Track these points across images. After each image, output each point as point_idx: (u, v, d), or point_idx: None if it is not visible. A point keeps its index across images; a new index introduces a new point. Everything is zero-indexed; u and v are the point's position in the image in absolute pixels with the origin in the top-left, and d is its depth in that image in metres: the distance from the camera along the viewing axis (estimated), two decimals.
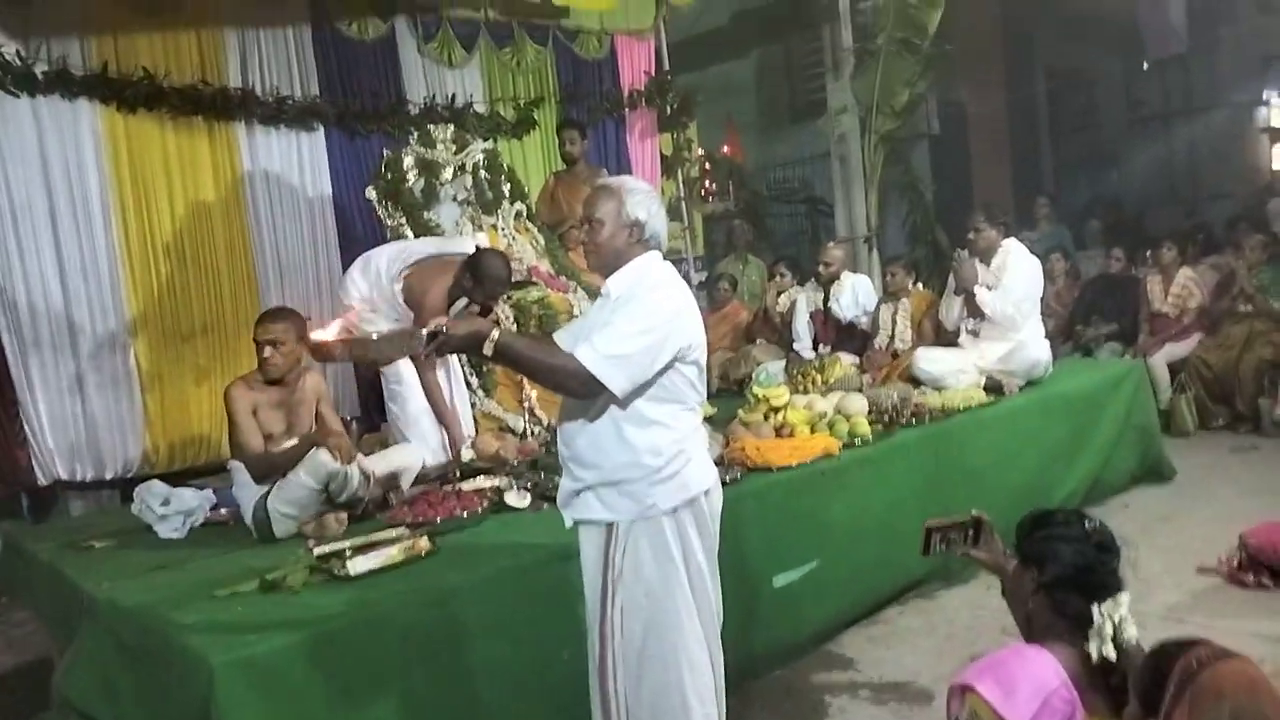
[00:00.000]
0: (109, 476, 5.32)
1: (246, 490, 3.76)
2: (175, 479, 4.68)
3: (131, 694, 2.89)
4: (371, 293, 4.78)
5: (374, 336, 2.49)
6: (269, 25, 5.83)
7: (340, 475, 3.66)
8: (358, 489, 3.75)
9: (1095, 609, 1.96)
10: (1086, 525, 2.09)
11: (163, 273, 5.46)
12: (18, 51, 4.95)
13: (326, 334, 2.55)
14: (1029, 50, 12.77)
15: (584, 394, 2.39)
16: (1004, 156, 12.29)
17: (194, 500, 4.11)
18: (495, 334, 2.32)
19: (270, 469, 3.69)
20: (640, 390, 2.39)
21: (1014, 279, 5.26)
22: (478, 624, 2.94)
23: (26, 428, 5.03)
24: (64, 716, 3.15)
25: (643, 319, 2.37)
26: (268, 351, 3.75)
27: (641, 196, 2.50)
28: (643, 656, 2.46)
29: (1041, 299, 5.55)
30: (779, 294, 7.01)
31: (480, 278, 4.50)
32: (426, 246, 4.95)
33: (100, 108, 5.22)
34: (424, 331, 2.32)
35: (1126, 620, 1.97)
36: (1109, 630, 1.95)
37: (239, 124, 5.71)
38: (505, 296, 5.14)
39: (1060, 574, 2.03)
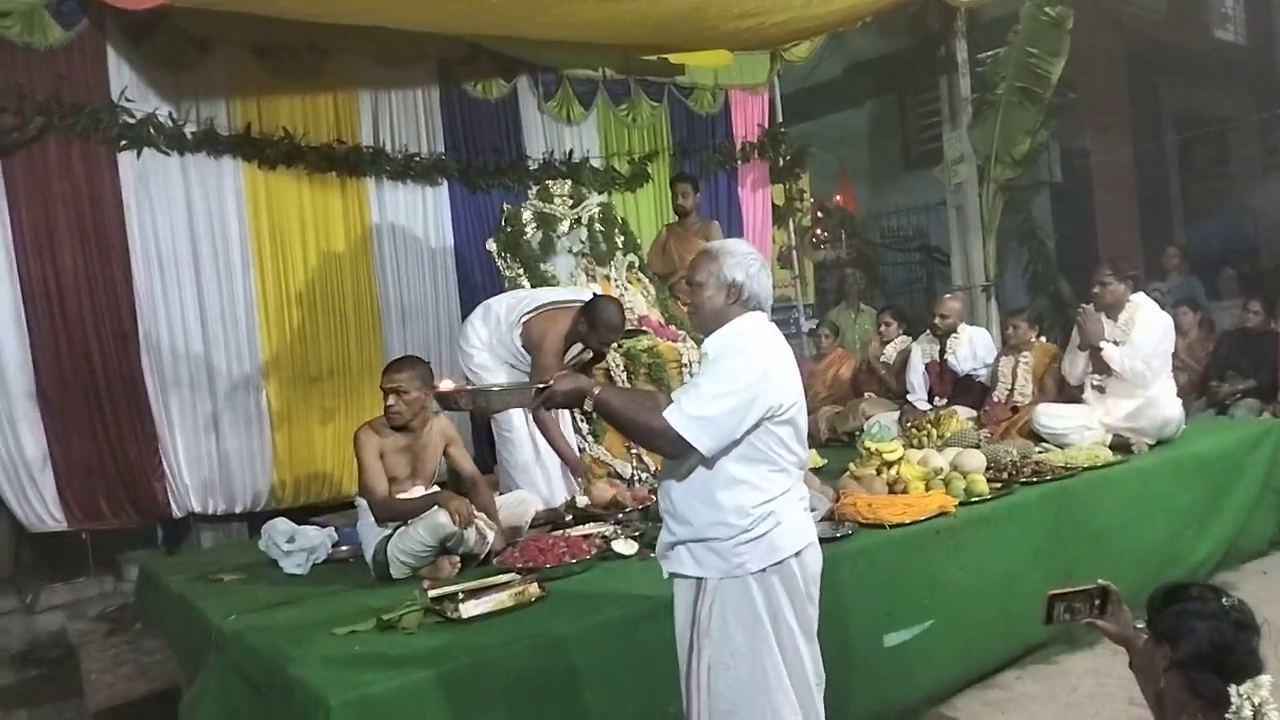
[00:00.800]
0: (239, 510, 5.59)
1: (370, 530, 3.89)
2: (300, 514, 4.88)
3: None
4: (491, 338, 4.92)
5: (495, 389, 2.62)
6: (400, 87, 6.15)
7: (456, 537, 3.75)
8: (474, 547, 3.84)
9: (1233, 691, 1.85)
10: (1224, 601, 1.98)
11: (294, 319, 5.74)
12: (169, 113, 5.33)
13: (448, 384, 2.69)
14: (1155, 98, 12.36)
15: (673, 454, 2.42)
16: (1131, 205, 11.87)
17: (317, 538, 4.26)
18: (596, 390, 2.41)
19: (392, 515, 3.81)
20: (728, 450, 2.40)
21: (1143, 335, 5.06)
22: (584, 673, 2.95)
23: (164, 463, 5.34)
24: None
25: (728, 380, 2.38)
26: (391, 400, 3.89)
27: (739, 258, 2.52)
28: (732, 717, 2.45)
29: (1173, 354, 5.32)
30: (885, 344, 6.90)
31: (595, 323, 4.60)
32: (545, 295, 5.09)
33: (243, 165, 5.57)
34: (534, 387, 2.45)
35: (1268, 704, 1.86)
36: (1248, 713, 1.83)
37: (369, 179, 6.02)
38: (617, 345, 5.23)
39: (1195, 653, 1.92)
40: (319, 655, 2.91)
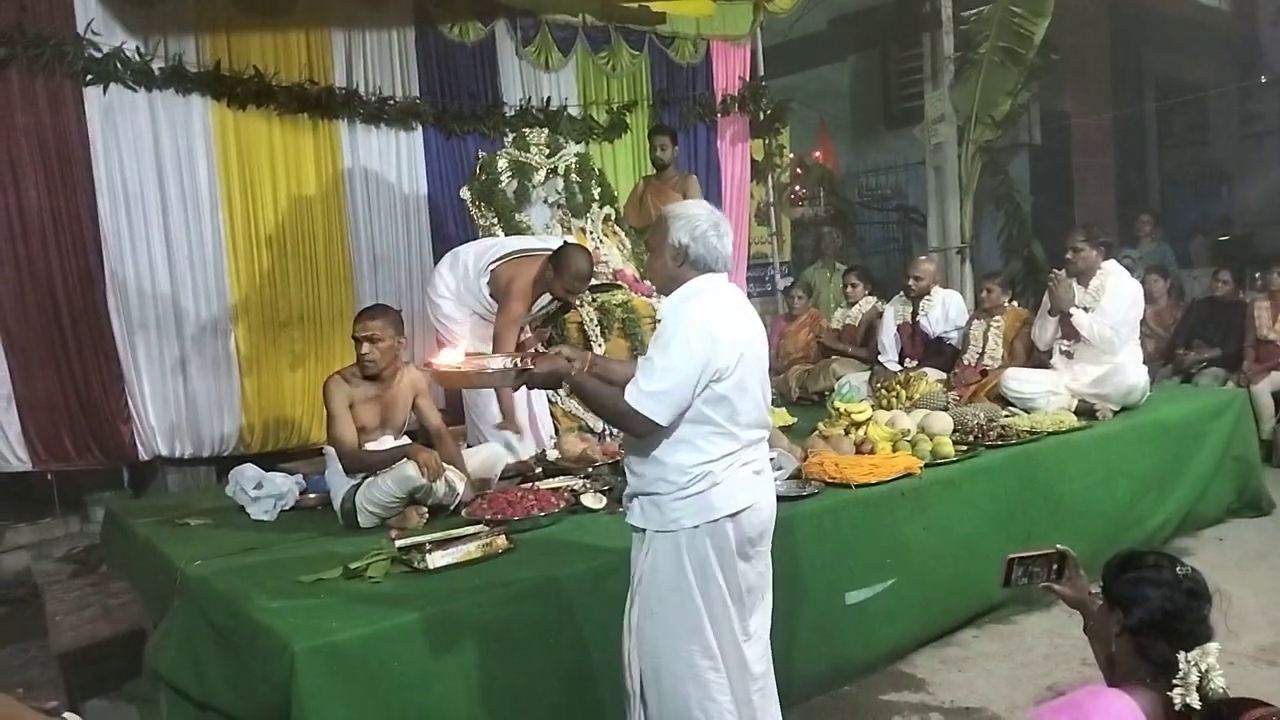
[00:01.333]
0: (206, 454, 5.56)
1: (338, 478, 3.88)
2: (267, 460, 4.86)
3: (218, 671, 3.00)
4: (459, 286, 4.88)
5: (482, 368, 2.68)
6: (374, 27, 6.01)
7: (425, 489, 3.76)
8: (443, 499, 3.84)
9: (1182, 657, 1.90)
10: (1178, 570, 2.02)
11: (264, 262, 5.66)
12: (137, 48, 5.19)
13: (452, 360, 2.71)
14: (1138, 63, 12.34)
15: (643, 431, 2.47)
16: (1108, 169, 11.91)
17: (284, 485, 4.25)
18: (573, 373, 2.53)
19: (361, 466, 3.80)
20: None
21: (1113, 302, 5.10)
22: (550, 624, 2.98)
23: (131, 405, 5.29)
24: (154, 686, 3.29)
25: (677, 349, 2.43)
26: (365, 348, 3.85)
27: (685, 221, 2.54)
28: (657, 664, 2.58)
29: (1141, 321, 5.38)
30: (851, 305, 6.93)
31: (561, 270, 4.57)
32: (514, 242, 5.05)
33: (212, 103, 5.45)
34: (514, 367, 2.56)
35: (1214, 670, 1.90)
36: (1195, 679, 1.88)
37: (342, 122, 5.91)
38: (591, 299, 5.21)
39: (1147, 619, 1.96)
40: (285, 602, 2.92)
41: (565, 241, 4.93)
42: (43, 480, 5.31)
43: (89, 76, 5.05)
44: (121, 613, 4.12)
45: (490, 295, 4.80)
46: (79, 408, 5.13)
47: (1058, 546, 2.37)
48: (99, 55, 5.06)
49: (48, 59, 4.89)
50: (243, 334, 5.60)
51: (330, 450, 3.96)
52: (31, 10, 4.87)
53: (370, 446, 3.90)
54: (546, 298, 4.85)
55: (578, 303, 5.15)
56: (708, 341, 2.43)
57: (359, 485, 3.78)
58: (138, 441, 5.31)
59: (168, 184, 5.33)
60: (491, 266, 4.80)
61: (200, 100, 5.41)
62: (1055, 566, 2.36)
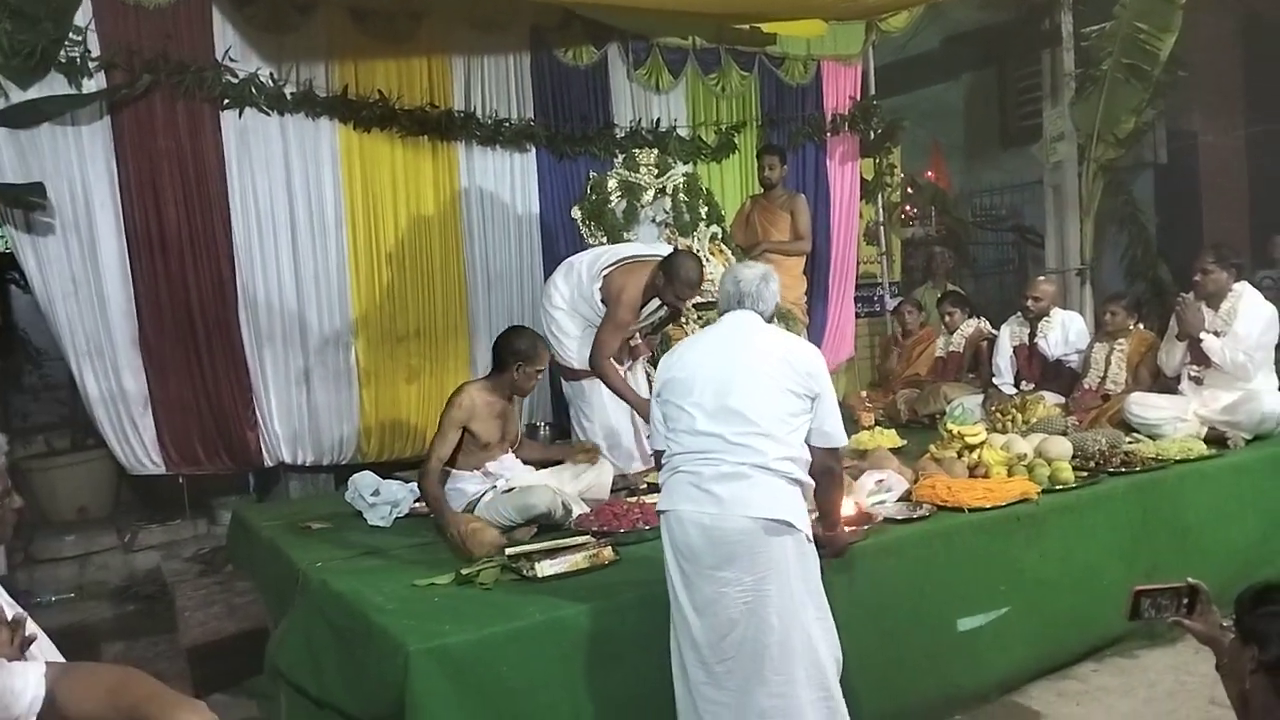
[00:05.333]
0: (325, 462, 5.77)
1: (460, 490, 3.97)
2: (382, 468, 5.02)
3: (335, 670, 3.11)
4: (573, 295, 4.96)
5: None
6: (492, 53, 6.19)
7: (544, 518, 3.82)
8: (558, 519, 3.88)
9: None
10: None
11: (384, 279, 5.87)
12: (271, 74, 5.47)
13: None
14: (1273, 79, 11.75)
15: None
16: (1240, 190, 11.34)
17: (400, 492, 4.38)
18: None
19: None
20: None
21: (1246, 326, 4.86)
22: (654, 636, 2.98)
23: (257, 413, 5.53)
24: (274, 683, 3.43)
25: None
26: (539, 377, 4.12)
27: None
28: None
29: (1276, 346, 5.11)
30: (951, 333, 6.77)
31: (671, 277, 4.60)
32: (626, 249, 5.11)
33: (339, 126, 5.69)
34: None
35: None
36: None
37: (460, 144, 6.10)
38: (697, 317, 5.23)
39: None
40: (399, 604, 3.02)
41: (675, 249, 4.96)
42: (173, 483, 5.59)
43: (226, 101, 5.33)
44: (245, 611, 4.29)
45: (602, 301, 4.86)
46: (210, 415, 5.39)
47: (1188, 580, 2.28)
48: (235, 81, 5.34)
49: (188, 84, 5.18)
50: (362, 347, 5.80)
51: (451, 471, 4.02)
52: (175, 38, 5.17)
53: (491, 466, 4.00)
54: (655, 304, 4.88)
55: (683, 320, 5.18)
56: (662, 365, 3.02)
57: (479, 500, 3.87)
58: (263, 448, 5.55)
59: (296, 203, 5.58)
60: (605, 272, 4.86)
61: (328, 123, 5.65)
62: (1185, 600, 2.26)
